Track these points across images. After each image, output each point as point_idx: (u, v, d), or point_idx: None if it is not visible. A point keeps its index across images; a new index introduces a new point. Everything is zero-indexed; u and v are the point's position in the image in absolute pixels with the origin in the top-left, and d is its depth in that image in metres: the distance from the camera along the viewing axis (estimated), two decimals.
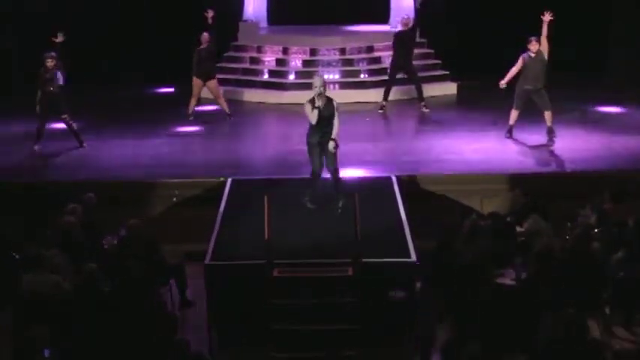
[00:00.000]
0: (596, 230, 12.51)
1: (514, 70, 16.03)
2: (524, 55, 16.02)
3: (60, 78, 15.84)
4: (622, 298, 11.12)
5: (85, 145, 16.30)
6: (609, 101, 19.13)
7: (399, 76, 18.75)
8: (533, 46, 15.91)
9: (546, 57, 15.93)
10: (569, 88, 19.66)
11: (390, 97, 18.86)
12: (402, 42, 18.38)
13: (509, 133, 16.48)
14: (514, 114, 16.40)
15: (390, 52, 19.75)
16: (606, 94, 19.71)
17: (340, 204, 13.03)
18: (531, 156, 15.71)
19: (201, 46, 17.68)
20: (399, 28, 18.58)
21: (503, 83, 16.07)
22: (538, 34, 15.96)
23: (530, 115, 16.69)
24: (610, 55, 21.46)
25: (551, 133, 16.29)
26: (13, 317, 11.07)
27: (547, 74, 16.13)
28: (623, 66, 20.87)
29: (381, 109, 18.61)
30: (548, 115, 16.24)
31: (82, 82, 16.59)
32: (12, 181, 14.86)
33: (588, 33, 21.24)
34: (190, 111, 18.03)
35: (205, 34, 17.65)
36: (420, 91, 18.71)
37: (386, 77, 19.44)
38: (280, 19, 21.66)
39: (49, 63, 15.73)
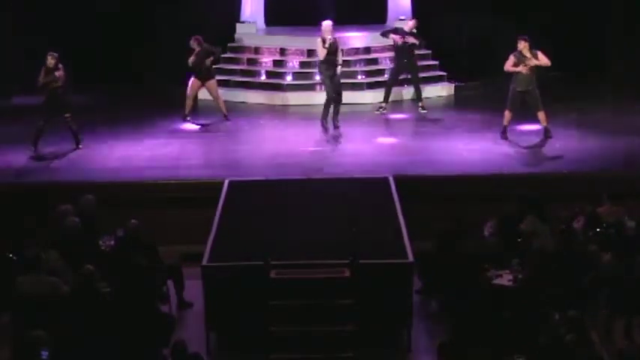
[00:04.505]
0: (591, 233, 12.54)
1: (509, 66, 16.07)
2: (515, 53, 16.08)
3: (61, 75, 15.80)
4: (621, 299, 11.13)
5: (81, 146, 16.27)
6: (607, 101, 19.14)
7: (402, 77, 18.77)
8: (520, 45, 15.99)
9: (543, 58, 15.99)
10: (568, 88, 19.69)
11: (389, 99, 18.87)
12: (400, 48, 18.36)
13: (504, 134, 16.48)
14: (507, 115, 16.42)
15: (388, 54, 19.77)
16: (604, 94, 19.72)
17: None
18: (529, 157, 15.72)
19: (196, 50, 17.61)
20: (404, 28, 18.51)
21: (520, 69, 16.06)
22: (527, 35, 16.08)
23: (527, 116, 16.71)
24: (609, 55, 21.45)
25: (547, 132, 16.32)
26: (13, 319, 11.07)
27: (540, 75, 16.22)
28: (622, 66, 20.88)
29: (379, 109, 18.60)
30: (541, 115, 16.28)
31: (80, 82, 16.58)
32: (11, 182, 14.85)
33: (587, 33, 21.23)
34: (187, 112, 18.01)
35: (191, 40, 17.60)
36: (419, 92, 18.69)
37: (382, 78, 19.50)
38: (278, 20, 21.62)
39: (50, 61, 15.69)
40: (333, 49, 16.92)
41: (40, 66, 15.83)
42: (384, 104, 18.63)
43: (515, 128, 16.75)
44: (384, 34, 18.72)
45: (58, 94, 15.83)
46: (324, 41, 16.88)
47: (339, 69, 17.03)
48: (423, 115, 18.47)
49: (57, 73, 15.68)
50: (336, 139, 16.87)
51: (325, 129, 17.17)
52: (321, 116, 17.21)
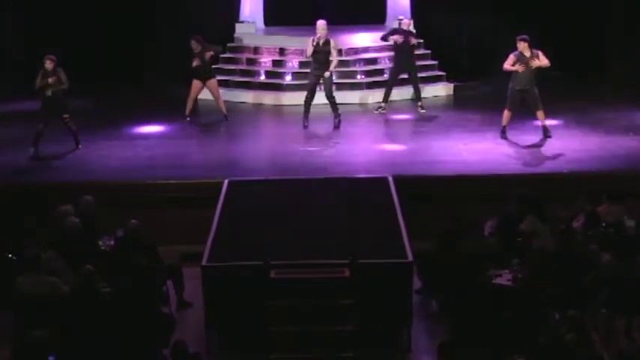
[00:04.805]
0: (590, 232, 12.53)
1: (507, 65, 16.07)
2: (515, 52, 16.07)
3: (62, 78, 15.76)
4: (621, 299, 11.12)
5: (80, 146, 16.26)
6: (607, 101, 19.14)
7: (402, 76, 18.78)
8: (520, 46, 15.98)
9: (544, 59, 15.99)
10: (568, 88, 19.69)
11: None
12: (400, 48, 18.36)
13: (504, 134, 16.47)
14: (507, 114, 16.40)
15: (387, 54, 19.76)
16: (604, 94, 19.72)
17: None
18: (528, 156, 15.71)
19: (197, 50, 17.61)
20: (402, 26, 18.52)
21: (518, 68, 16.04)
22: (528, 37, 16.08)
23: (526, 116, 16.71)
24: (609, 55, 21.45)
25: (546, 131, 16.32)
26: (13, 319, 11.07)
27: (540, 74, 16.21)
28: (622, 66, 20.88)
29: (378, 109, 18.60)
30: (540, 114, 16.28)
31: (79, 82, 16.56)
32: (11, 182, 14.85)
33: (587, 33, 21.23)
34: (187, 112, 18.01)
35: (192, 40, 17.60)
36: (418, 92, 18.70)
37: (381, 78, 19.53)
38: (277, 20, 21.64)
39: (49, 64, 15.67)
40: (322, 48, 16.91)
41: (40, 68, 15.82)
42: (383, 104, 18.64)
43: (515, 128, 16.73)
44: (385, 38, 18.72)
45: (59, 97, 15.80)
46: (313, 41, 16.95)
47: (327, 73, 16.96)
48: (423, 114, 18.47)
49: (50, 79, 15.56)
50: (336, 139, 16.86)
51: (304, 126, 17.26)
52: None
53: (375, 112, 18.59)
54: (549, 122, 16.52)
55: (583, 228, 12.68)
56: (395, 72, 18.74)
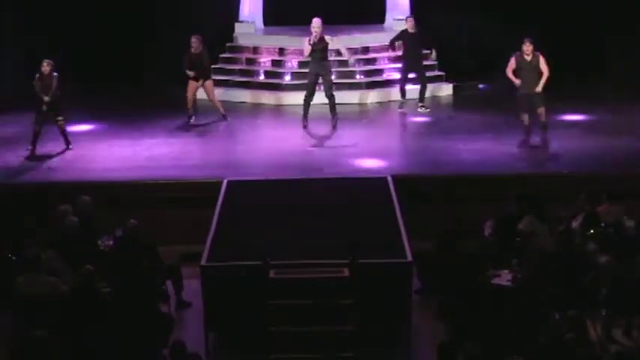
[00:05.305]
0: (592, 231, 12.54)
1: (510, 72, 16.04)
2: (517, 53, 16.04)
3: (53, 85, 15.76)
4: (621, 299, 11.12)
5: (71, 147, 16.20)
6: (607, 101, 19.11)
7: (410, 75, 18.80)
8: (527, 47, 15.93)
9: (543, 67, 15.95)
10: (568, 88, 19.67)
11: (387, 99, 18.86)
12: (411, 43, 18.36)
13: (528, 136, 16.16)
14: (524, 117, 16.14)
15: (387, 54, 19.74)
16: (604, 94, 19.69)
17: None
18: (527, 156, 15.70)
19: (192, 50, 17.61)
20: (408, 29, 18.53)
21: (517, 83, 16.05)
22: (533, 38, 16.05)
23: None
24: (609, 55, 21.43)
25: (544, 128, 16.24)
26: (13, 319, 11.08)
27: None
28: (622, 66, 20.85)
29: (400, 107, 18.61)
30: (541, 110, 16.20)
31: (79, 82, 16.57)
32: (11, 182, 14.85)
33: (587, 33, 21.21)
34: (190, 112, 17.99)
35: (194, 39, 17.60)
36: (423, 92, 18.70)
37: (380, 78, 19.60)
38: (276, 20, 21.62)
39: (45, 67, 15.66)
40: (318, 46, 16.92)
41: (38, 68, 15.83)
42: (403, 100, 18.65)
43: (515, 128, 16.69)
44: (392, 43, 18.71)
45: (56, 100, 15.77)
46: (309, 40, 16.96)
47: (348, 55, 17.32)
48: (424, 114, 18.46)
49: (44, 83, 15.57)
50: (335, 138, 16.86)
51: (303, 126, 17.22)
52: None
53: (399, 109, 18.56)
54: (550, 121, 16.49)
55: (582, 228, 12.67)
56: (404, 71, 18.72)
